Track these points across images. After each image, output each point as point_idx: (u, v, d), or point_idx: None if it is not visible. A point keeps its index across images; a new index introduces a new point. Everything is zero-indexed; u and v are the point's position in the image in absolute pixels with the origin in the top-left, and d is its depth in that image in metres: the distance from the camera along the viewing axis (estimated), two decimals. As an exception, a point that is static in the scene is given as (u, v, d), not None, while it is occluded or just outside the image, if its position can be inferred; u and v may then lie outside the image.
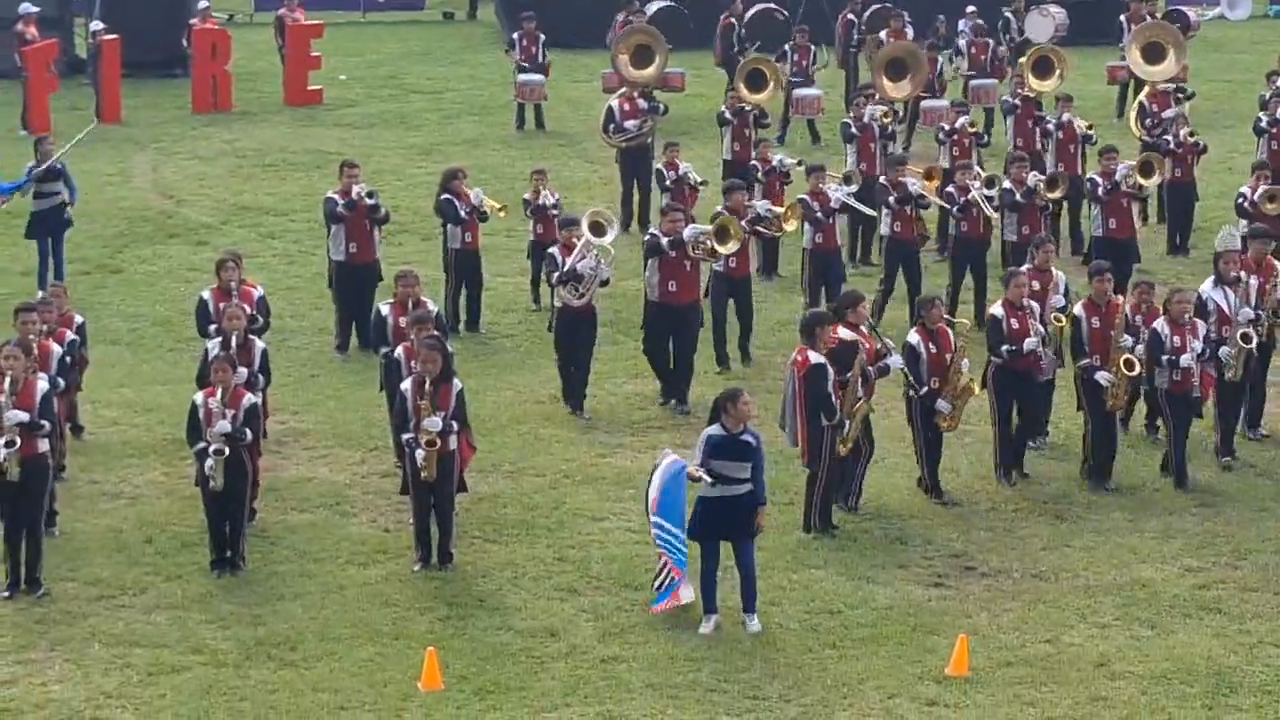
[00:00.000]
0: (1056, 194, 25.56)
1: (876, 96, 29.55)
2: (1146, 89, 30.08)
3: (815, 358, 17.94)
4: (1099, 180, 24.81)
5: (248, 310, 19.49)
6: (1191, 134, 27.69)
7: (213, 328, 19.69)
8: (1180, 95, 29.73)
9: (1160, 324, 19.47)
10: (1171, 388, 19.52)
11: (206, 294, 20.42)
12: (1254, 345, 20.08)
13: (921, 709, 15.14)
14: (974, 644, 15.89)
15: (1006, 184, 24.68)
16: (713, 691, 15.36)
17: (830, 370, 17.96)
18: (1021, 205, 24.53)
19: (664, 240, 21.29)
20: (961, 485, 19.54)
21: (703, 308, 22.38)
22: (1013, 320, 19.45)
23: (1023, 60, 31.49)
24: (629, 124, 29.04)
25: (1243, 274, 20.32)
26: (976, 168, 25.79)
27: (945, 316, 19.34)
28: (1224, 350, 19.94)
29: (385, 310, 19.85)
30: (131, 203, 30.58)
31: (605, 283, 21.36)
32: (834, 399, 17.97)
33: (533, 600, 16.94)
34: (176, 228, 29.29)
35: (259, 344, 19.01)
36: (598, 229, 21.34)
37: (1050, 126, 28.08)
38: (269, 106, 37.72)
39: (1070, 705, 15.19)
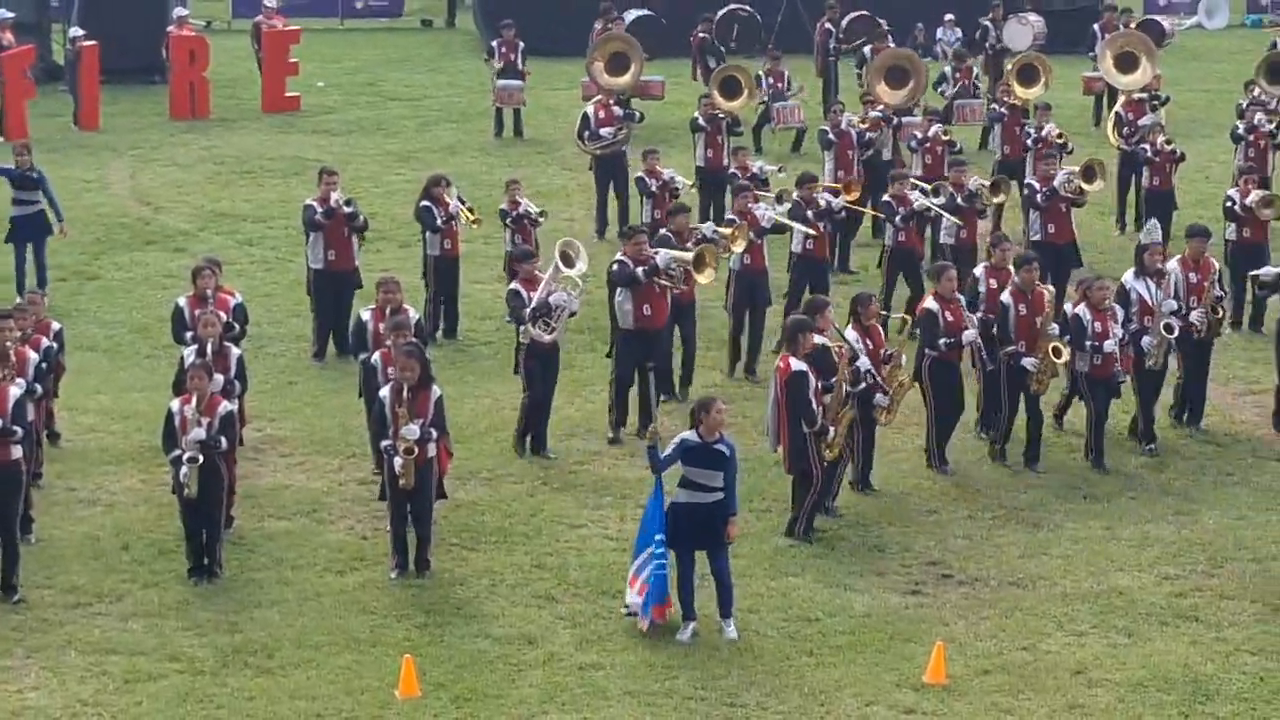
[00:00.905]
0: (1000, 199, 25.67)
1: (879, 105, 29.57)
2: (1122, 98, 30.15)
3: (796, 365, 17.98)
4: (1037, 185, 24.92)
5: (223, 317, 19.46)
6: (1168, 142, 27.75)
7: (189, 335, 19.66)
8: (1155, 103, 29.83)
9: (1081, 309, 20.11)
10: (1092, 371, 20.09)
11: (182, 301, 20.35)
12: (1174, 337, 20.63)
13: (899, 717, 15.13)
14: (951, 652, 15.90)
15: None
16: (690, 699, 15.34)
17: (811, 377, 18.00)
18: (962, 209, 24.61)
19: (638, 269, 20.61)
20: (938, 492, 19.55)
21: None
22: (947, 313, 19.86)
23: (1008, 68, 31.51)
24: (604, 131, 28.99)
25: (1167, 266, 20.96)
26: (912, 178, 25.72)
27: (881, 313, 19.72)
28: (1146, 340, 20.60)
29: (366, 316, 19.82)
30: (109, 209, 30.52)
31: (574, 314, 20.83)
32: (814, 405, 18.00)
33: (510, 608, 16.92)
34: (154, 235, 29.23)
35: (235, 351, 18.94)
36: (567, 260, 20.52)
37: (1029, 141, 28.12)
38: (247, 113, 37.67)
39: (1047, 713, 15.20)
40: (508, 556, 17.97)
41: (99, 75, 36.67)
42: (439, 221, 24.02)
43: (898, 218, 24.35)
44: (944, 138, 28.37)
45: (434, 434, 17.34)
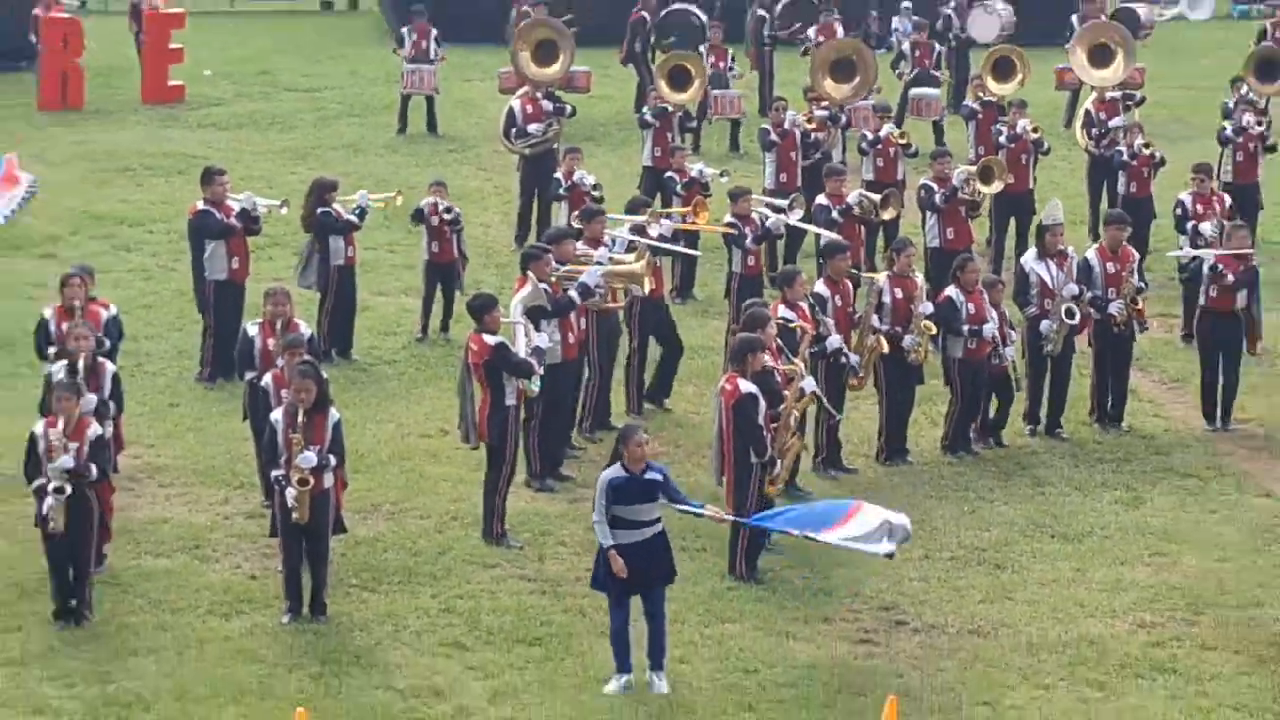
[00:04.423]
0: (889, 214, 25.62)
1: (822, 101, 29.68)
2: (1094, 95, 30.34)
3: (746, 386, 18.03)
4: (934, 187, 25.30)
5: (94, 330, 19.39)
6: (1146, 145, 27.87)
7: (52, 350, 19.59)
8: (1130, 103, 30.02)
9: (953, 291, 21.16)
10: (966, 354, 21.20)
11: (48, 312, 20.30)
12: (1075, 322, 21.60)
13: (846, 778, 15.20)
14: (904, 706, 15.91)
15: (821, 200, 24.92)
16: (615, 758, 15.39)
17: (761, 400, 18.06)
18: (837, 224, 24.31)
19: (575, 294, 20.22)
20: (892, 530, 19.59)
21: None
22: (804, 321, 20.15)
23: (983, 61, 31.61)
24: (533, 128, 28.96)
25: (1070, 250, 21.96)
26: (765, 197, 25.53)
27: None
28: (1045, 324, 21.64)
29: (253, 331, 19.73)
30: (-32, 211, 30.39)
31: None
32: (765, 432, 18.06)
33: (415, 657, 16.89)
34: (20, 239, 29.08)
35: (110, 367, 18.91)
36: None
37: (1002, 139, 28.17)
38: (124, 105, 37.56)
39: (1010, 774, 15.29)
40: (413, 599, 17.94)
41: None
42: (343, 221, 23.82)
43: (748, 239, 23.85)
44: (899, 140, 28.35)
45: (332, 462, 17.32)
